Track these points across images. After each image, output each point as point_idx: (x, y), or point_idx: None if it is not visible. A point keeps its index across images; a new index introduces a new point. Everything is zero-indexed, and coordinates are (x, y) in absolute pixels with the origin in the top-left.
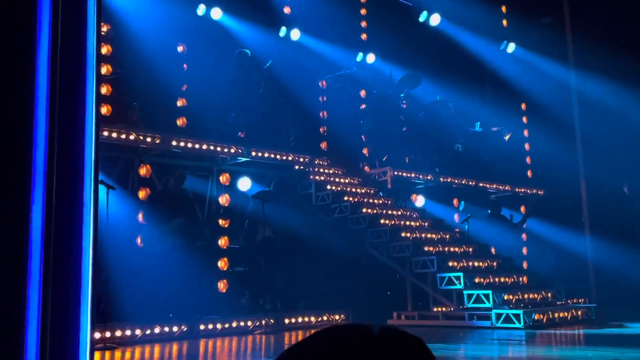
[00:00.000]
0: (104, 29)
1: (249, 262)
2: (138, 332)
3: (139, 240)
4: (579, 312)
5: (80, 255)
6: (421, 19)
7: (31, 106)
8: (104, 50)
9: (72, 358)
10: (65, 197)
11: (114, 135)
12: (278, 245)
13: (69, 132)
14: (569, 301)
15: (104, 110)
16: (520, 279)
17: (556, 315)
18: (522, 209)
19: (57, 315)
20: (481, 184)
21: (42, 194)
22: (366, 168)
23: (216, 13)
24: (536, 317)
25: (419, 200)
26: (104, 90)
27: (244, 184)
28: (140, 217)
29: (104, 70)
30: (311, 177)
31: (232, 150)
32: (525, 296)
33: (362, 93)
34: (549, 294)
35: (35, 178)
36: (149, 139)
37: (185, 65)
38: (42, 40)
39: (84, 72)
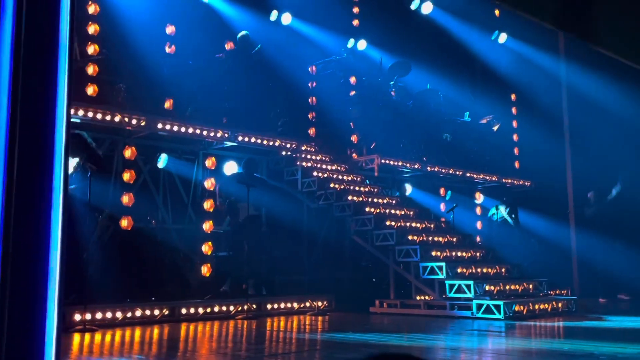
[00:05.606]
0: (92, 9)
1: (233, 246)
2: (119, 314)
3: (121, 222)
4: (560, 304)
5: (47, 244)
6: (413, 6)
7: None
8: (91, 29)
9: (35, 346)
10: (29, 184)
11: (99, 116)
12: (263, 226)
13: (35, 116)
14: (550, 292)
15: (90, 90)
16: (503, 270)
17: (537, 306)
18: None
19: (17, 306)
20: (468, 174)
21: (2, 183)
22: (354, 155)
23: None
24: (516, 309)
25: (406, 189)
26: (90, 70)
27: (230, 168)
28: (124, 199)
29: (90, 50)
30: (298, 163)
31: (219, 135)
32: (507, 287)
33: (352, 80)
34: (531, 285)
35: None
36: (134, 121)
37: (173, 47)
38: (6, 17)
39: (55, 51)
